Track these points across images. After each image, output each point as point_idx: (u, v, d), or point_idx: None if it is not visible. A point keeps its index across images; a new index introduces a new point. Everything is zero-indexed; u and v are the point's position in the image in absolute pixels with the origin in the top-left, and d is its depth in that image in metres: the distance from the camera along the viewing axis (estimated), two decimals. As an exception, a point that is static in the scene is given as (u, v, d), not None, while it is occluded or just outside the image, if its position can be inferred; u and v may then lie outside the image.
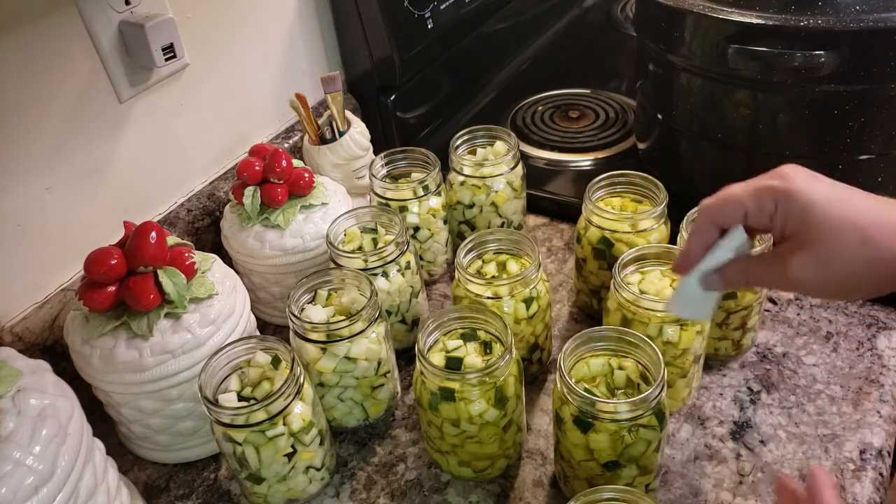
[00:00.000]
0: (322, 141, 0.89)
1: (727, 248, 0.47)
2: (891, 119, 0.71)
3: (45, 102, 0.67)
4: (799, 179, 0.43)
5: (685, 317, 0.59)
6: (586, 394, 0.54)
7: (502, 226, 0.85)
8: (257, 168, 0.76)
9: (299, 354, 0.64)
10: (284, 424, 0.57)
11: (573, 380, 0.57)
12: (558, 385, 0.56)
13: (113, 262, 0.60)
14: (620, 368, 0.58)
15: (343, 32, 0.99)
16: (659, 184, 0.72)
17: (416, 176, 0.82)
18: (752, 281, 0.48)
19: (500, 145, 0.85)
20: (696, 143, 0.84)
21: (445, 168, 0.83)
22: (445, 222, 0.84)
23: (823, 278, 0.42)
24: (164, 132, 0.80)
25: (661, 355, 0.55)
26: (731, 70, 0.73)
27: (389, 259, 0.70)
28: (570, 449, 0.57)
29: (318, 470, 0.63)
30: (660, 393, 0.54)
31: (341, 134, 0.88)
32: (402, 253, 0.71)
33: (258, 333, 0.72)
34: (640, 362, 0.58)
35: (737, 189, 0.45)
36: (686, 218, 0.69)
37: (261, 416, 0.56)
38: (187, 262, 0.64)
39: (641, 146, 0.97)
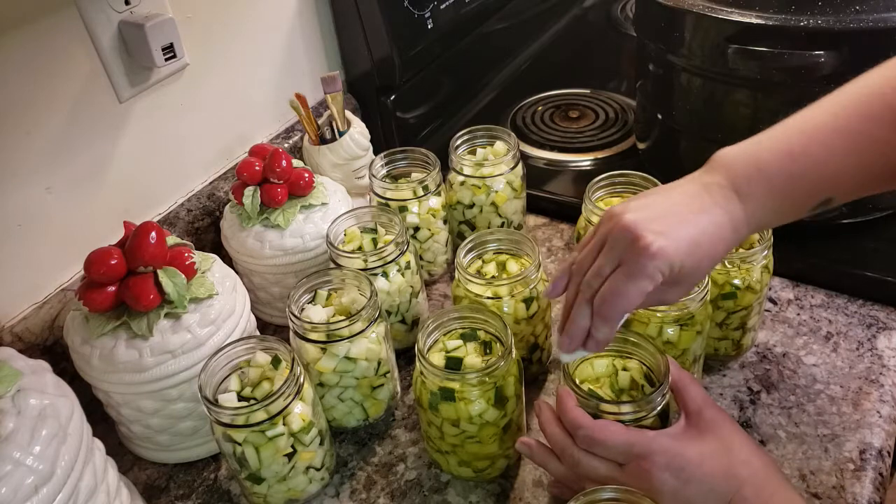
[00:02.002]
0: (322, 141, 0.89)
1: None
2: (891, 119, 0.71)
3: (46, 102, 0.67)
4: (660, 245, 0.48)
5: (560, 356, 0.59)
6: (591, 395, 0.55)
7: (502, 226, 0.85)
8: (257, 168, 0.76)
9: (299, 354, 0.64)
10: (284, 424, 0.57)
11: (577, 380, 0.57)
12: (562, 385, 0.56)
13: (113, 262, 0.60)
14: (625, 370, 0.58)
15: (343, 32, 0.99)
16: (659, 184, 0.72)
17: (416, 176, 0.82)
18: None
19: (500, 145, 0.85)
20: (696, 143, 0.84)
21: (445, 168, 0.83)
22: (445, 222, 0.84)
23: (687, 291, 0.54)
24: (164, 132, 0.80)
25: (666, 357, 0.55)
26: (731, 70, 0.73)
27: (389, 259, 0.70)
28: None
29: (318, 470, 0.63)
30: (664, 394, 0.54)
31: (341, 134, 0.88)
32: (402, 253, 0.71)
33: (258, 333, 0.72)
34: (644, 363, 0.58)
35: (624, 281, 0.50)
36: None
37: (261, 416, 0.56)
38: (187, 262, 0.64)
39: (641, 146, 0.97)
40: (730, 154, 0.52)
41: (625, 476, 0.50)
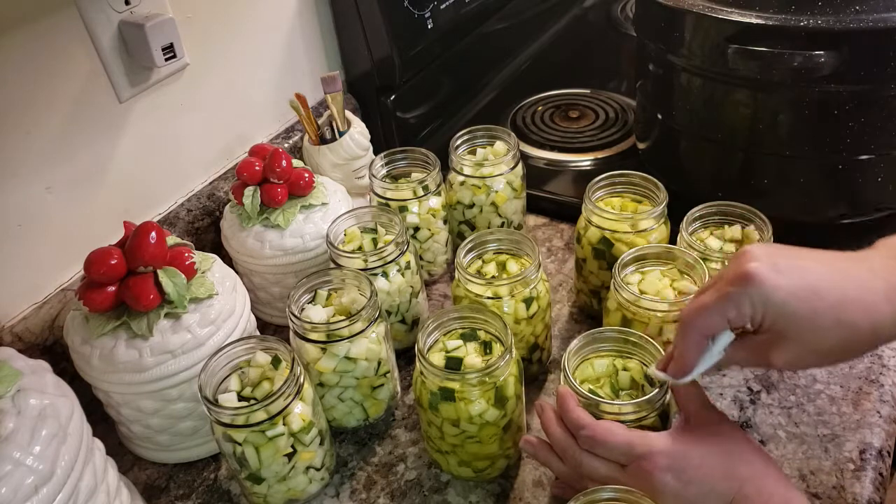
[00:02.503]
0: (322, 141, 0.89)
1: (717, 352, 0.50)
2: (891, 119, 0.71)
3: (46, 102, 0.67)
4: (764, 274, 0.44)
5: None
6: (591, 394, 0.55)
7: (502, 226, 0.85)
8: (257, 168, 0.76)
9: (299, 354, 0.64)
10: (284, 424, 0.57)
11: (577, 380, 0.57)
12: (563, 385, 0.56)
13: (113, 262, 0.60)
14: (625, 369, 0.58)
15: (343, 32, 0.99)
16: (659, 184, 0.72)
17: (416, 176, 0.82)
18: (738, 365, 0.53)
19: (500, 145, 0.85)
20: (696, 143, 0.84)
21: (445, 168, 0.83)
22: (445, 222, 0.84)
23: (804, 360, 0.47)
24: (164, 132, 0.80)
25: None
26: (731, 70, 0.73)
27: (389, 259, 0.70)
28: None
29: (318, 470, 0.63)
30: (664, 394, 0.54)
31: (341, 134, 0.88)
32: (402, 253, 0.71)
33: (258, 333, 0.72)
34: (644, 363, 0.58)
35: (712, 299, 0.47)
36: (686, 218, 0.69)
37: (261, 416, 0.56)
38: (187, 262, 0.64)
39: (641, 146, 0.97)
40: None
41: (626, 477, 0.51)
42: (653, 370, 0.54)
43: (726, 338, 0.49)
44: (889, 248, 0.48)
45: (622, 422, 0.53)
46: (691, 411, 0.53)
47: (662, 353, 0.55)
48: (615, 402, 0.55)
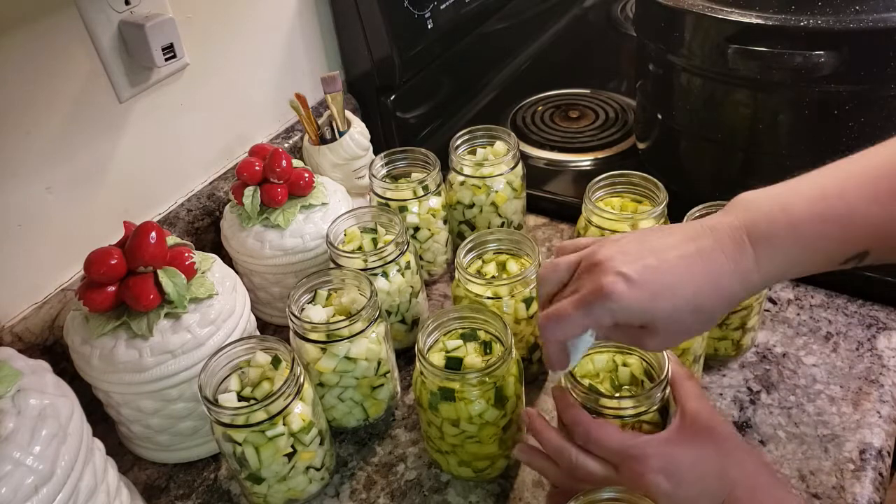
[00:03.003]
0: (322, 141, 0.89)
1: (584, 346, 0.51)
2: (891, 119, 0.71)
3: (46, 102, 0.67)
4: (620, 290, 0.45)
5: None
6: (591, 390, 0.55)
7: (502, 226, 0.85)
8: (257, 168, 0.76)
9: (299, 354, 0.64)
10: (284, 424, 0.57)
11: (577, 376, 0.57)
12: (563, 381, 0.56)
13: (113, 262, 0.60)
14: (625, 365, 0.58)
15: (343, 32, 0.99)
16: (659, 184, 0.72)
17: (416, 176, 0.82)
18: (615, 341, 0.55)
19: (500, 145, 0.85)
20: (696, 143, 0.84)
21: (445, 168, 0.83)
22: (445, 222, 0.84)
23: (673, 341, 0.49)
24: (164, 132, 0.80)
25: (665, 352, 0.55)
26: (731, 70, 0.73)
27: (389, 259, 0.70)
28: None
29: (318, 470, 0.63)
30: (664, 390, 0.54)
31: (341, 134, 0.88)
32: (402, 253, 0.71)
33: (258, 333, 0.72)
34: (644, 359, 0.58)
35: (569, 309, 0.48)
36: (686, 218, 0.69)
37: (261, 416, 0.56)
38: (187, 262, 0.64)
39: (641, 146, 0.97)
40: (751, 194, 0.47)
41: (619, 478, 0.51)
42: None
43: (588, 339, 0.50)
44: (739, 210, 0.47)
45: (622, 417, 0.53)
46: (687, 410, 0.53)
47: (663, 351, 0.55)
48: (615, 396, 0.55)
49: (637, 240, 0.49)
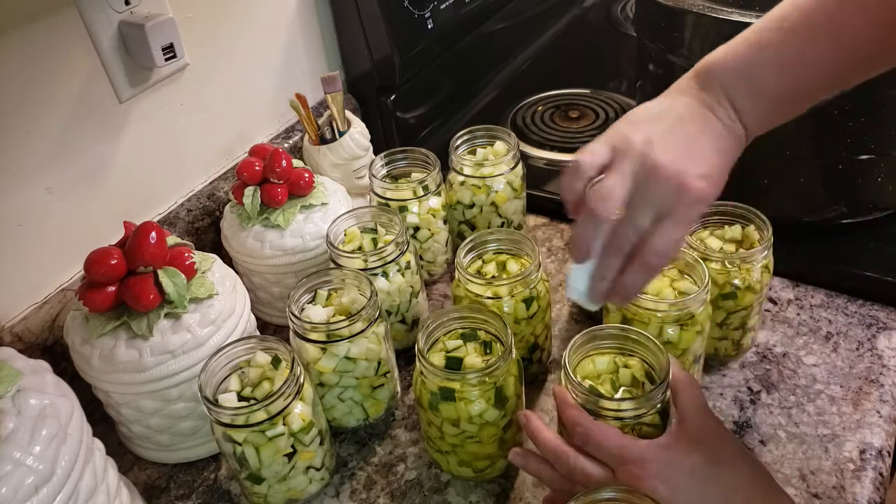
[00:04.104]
0: (322, 141, 0.89)
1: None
2: (891, 119, 0.71)
3: (46, 103, 0.67)
4: (701, 187, 0.49)
5: (581, 302, 0.57)
6: (591, 391, 0.55)
7: (502, 226, 0.85)
8: (257, 168, 0.76)
9: (299, 354, 0.64)
10: (284, 424, 0.57)
11: (578, 377, 0.57)
12: (563, 382, 0.56)
13: (113, 262, 0.60)
14: (626, 367, 0.58)
15: (343, 32, 0.99)
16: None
17: (416, 176, 0.82)
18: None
19: (500, 145, 0.85)
20: (696, 143, 0.84)
21: (445, 168, 0.83)
22: (445, 222, 0.84)
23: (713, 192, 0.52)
24: (164, 132, 0.80)
25: (667, 355, 0.55)
26: (731, 70, 0.72)
27: (389, 259, 0.70)
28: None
29: (318, 470, 0.63)
30: (664, 392, 0.54)
31: (341, 134, 0.88)
32: (402, 253, 0.71)
33: (258, 333, 0.72)
34: (645, 361, 0.58)
35: (672, 229, 0.50)
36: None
37: (261, 416, 0.56)
38: (187, 262, 0.64)
39: (641, 146, 0.97)
40: (716, 66, 0.53)
41: (617, 482, 0.51)
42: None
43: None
44: (719, 86, 0.53)
45: (622, 419, 0.53)
46: (686, 414, 0.53)
47: (663, 350, 0.55)
48: (614, 398, 0.55)
49: (665, 130, 0.51)
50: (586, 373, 0.59)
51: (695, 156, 0.50)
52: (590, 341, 0.58)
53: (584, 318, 0.79)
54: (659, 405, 0.54)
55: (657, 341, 0.56)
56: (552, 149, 1.02)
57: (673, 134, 0.51)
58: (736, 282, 0.65)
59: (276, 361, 0.61)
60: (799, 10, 0.50)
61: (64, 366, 0.68)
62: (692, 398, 0.53)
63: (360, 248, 0.73)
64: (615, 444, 0.51)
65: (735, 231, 0.69)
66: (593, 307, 0.55)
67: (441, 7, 1.01)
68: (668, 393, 0.55)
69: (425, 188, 0.80)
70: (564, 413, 0.54)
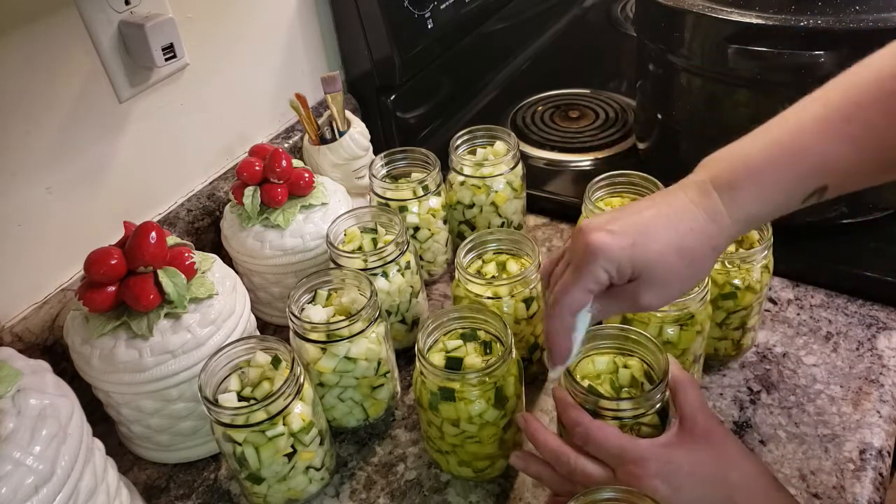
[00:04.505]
0: (322, 141, 0.89)
1: (583, 329, 0.53)
2: (891, 119, 0.71)
3: (46, 102, 0.67)
4: (606, 242, 0.49)
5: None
6: (590, 391, 0.55)
7: (502, 226, 0.85)
8: (257, 168, 0.76)
9: (299, 354, 0.64)
10: (284, 424, 0.57)
11: (578, 376, 0.57)
12: (562, 382, 0.56)
13: (113, 262, 0.60)
14: (625, 367, 0.58)
15: (343, 32, 0.99)
16: (659, 184, 0.72)
17: (416, 176, 0.82)
18: (612, 314, 0.55)
19: (500, 145, 0.85)
20: (696, 143, 0.84)
21: (445, 168, 0.83)
22: (445, 222, 0.84)
23: (668, 298, 0.52)
24: (164, 132, 0.80)
25: (666, 355, 0.55)
26: (731, 70, 0.73)
27: (389, 259, 0.70)
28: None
29: (318, 470, 0.63)
30: (663, 392, 0.54)
31: (341, 134, 0.88)
32: (402, 253, 0.71)
33: (258, 333, 0.72)
34: (644, 361, 0.58)
35: (571, 279, 0.50)
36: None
37: (261, 416, 0.56)
38: (187, 262, 0.64)
39: (641, 146, 0.97)
40: (715, 154, 0.52)
41: (617, 482, 0.51)
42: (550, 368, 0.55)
43: (585, 316, 0.52)
44: (703, 168, 0.52)
45: (621, 419, 0.53)
46: (687, 414, 0.53)
47: (662, 350, 0.55)
48: (614, 398, 0.55)
49: (613, 210, 0.53)
50: (586, 373, 0.59)
51: (617, 218, 0.50)
52: (589, 341, 0.58)
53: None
54: (658, 405, 0.54)
55: (657, 341, 0.56)
56: (552, 149, 1.02)
57: (624, 208, 0.53)
58: (736, 282, 0.65)
59: (276, 361, 0.61)
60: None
61: (64, 366, 0.68)
62: (692, 398, 0.53)
63: (360, 248, 0.73)
64: (615, 444, 0.51)
65: (735, 231, 0.69)
66: (554, 374, 0.55)
67: (441, 7, 1.01)
68: (668, 393, 0.55)
69: (425, 188, 0.80)
70: (565, 414, 0.54)
